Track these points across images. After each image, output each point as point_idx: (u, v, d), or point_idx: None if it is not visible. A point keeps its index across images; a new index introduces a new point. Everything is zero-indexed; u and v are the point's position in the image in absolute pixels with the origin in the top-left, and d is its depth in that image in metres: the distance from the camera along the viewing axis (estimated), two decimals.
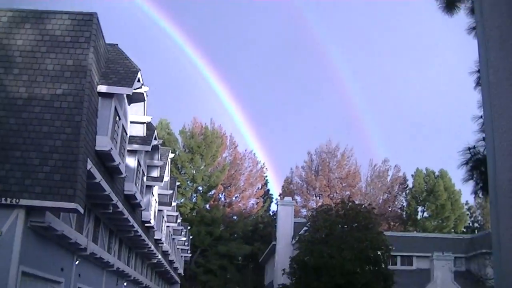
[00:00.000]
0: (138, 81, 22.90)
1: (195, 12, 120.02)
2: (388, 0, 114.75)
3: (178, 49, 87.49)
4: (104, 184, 21.02)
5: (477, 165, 13.48)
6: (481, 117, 12.40)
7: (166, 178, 40.38)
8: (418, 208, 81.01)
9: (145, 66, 24.44)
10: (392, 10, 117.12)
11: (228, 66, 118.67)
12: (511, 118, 8.69)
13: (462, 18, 13.64)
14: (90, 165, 19.09)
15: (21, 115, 18.36)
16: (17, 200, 17.15)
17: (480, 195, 14.88)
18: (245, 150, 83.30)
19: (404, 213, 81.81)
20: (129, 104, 24.68)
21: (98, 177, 20.20)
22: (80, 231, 22.38)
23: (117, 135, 22.63)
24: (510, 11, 8.95)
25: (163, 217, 42.06)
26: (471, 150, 13.46)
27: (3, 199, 17.00)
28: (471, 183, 14.12)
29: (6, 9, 20.13)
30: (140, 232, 31.52)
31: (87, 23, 19.92)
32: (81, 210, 18.26)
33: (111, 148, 21.12)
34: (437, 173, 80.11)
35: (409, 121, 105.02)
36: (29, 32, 19.63)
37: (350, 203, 46.02)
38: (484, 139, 12.36)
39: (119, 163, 22.70)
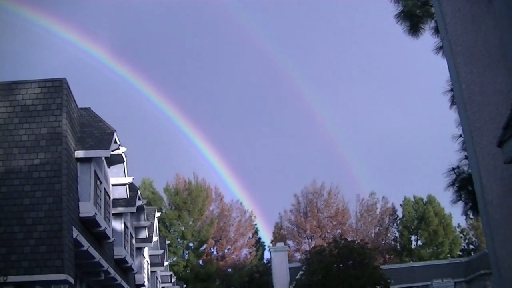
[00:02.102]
0: (115, 142, 22.73)
1: (167, 63, 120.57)
2: (353, 26, 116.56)
3: (152, 104, 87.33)
4: (92, 251, 20.60)
5: (463, 185, 13.42)
6: (461, 135, 12.38)
7: (155, 238, 39.89)
8: (411, 237, 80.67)
9: (121, 127, 24.33)
10: (357, 36, 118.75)
11: (205, 116, 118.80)
12: (491, 132, 8.65)
13: (427, 38, 13.76)
14: (76, 233, 18.74)
15: (0, 189, 18.10)
16: (5, 278, 16.75)
17: (471, 215, 14.80)
18: (232, 200, 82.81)
19: (398, 244, 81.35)
20: (108, 167, 24.45)
21: (86, 244, 19.81)
22: None
23: (100, 199, 22.33)
24: (473, 26, 8.99)
25: (157, 278, 41.49)
26: (455, 170, 13.41)
27: None
28: (460, 204, 14.07)
29: None
30: None
31: (57, 89, 19.82)
32: (72, 281, 17.86)
33: (96, 213, 20.79)
34: (425, 200, 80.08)
35: (390, 150, 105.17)
36: (0, 104, 19.51)
37: (342, 241, 45.82)
38: (466, 157, 12.34)
39: (105, 227, 22.35)
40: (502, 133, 7.35)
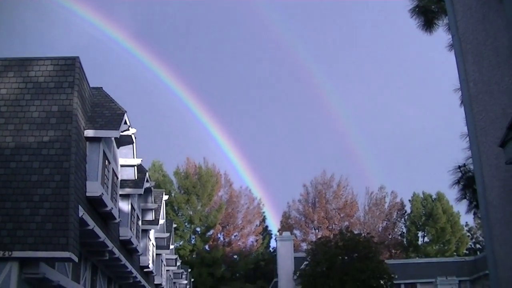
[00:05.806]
0: (125, 123, 22.80)
1: (183, 48, 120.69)
2: (369, 23, 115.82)
3: (166, 88, 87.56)
4: (97, 230, 20.71)
5: (468, 183, 13.33)
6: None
7: (162, 221, 40.03)
8: (418, 233, 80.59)
9: (132, 108, 24.42)
10: (374, 31, 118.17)
11: (219, 103, 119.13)
12: (495, 132, 8.60)
13: (442, 35, 13.65)
14: (82, 212, 18.82)
15: (9, 165, 18.17)
16: (10, 253, 16.83)
17: (477, 214, 14.70)
18: (241, 187, 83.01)
19: (404, 239, 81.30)
20: (118, 148, 24.54)
21: (91, 223, 19.91)
22: (77, 281, 21.94)
23: (108, 179, 22.43)
24: (484, 24, 8.93)
25: (162, 261, 41.63)
26: (461, 169, 13.33)
27: None
28: (465, 203, 14.00)
29: None
30: (139, 278, 31.03)
31: (69, 67, 19.85)
32: (75, 259, 17.92)
33: (102, 193, 20.89)
34: (434, 196, 79.92)
35: (402, 145, 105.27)
36: (12, 80, 19.53)
37: (348, 234, 45.80)
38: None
39: (112, 208, 22.44)
40: (505, 133, 7.31)
